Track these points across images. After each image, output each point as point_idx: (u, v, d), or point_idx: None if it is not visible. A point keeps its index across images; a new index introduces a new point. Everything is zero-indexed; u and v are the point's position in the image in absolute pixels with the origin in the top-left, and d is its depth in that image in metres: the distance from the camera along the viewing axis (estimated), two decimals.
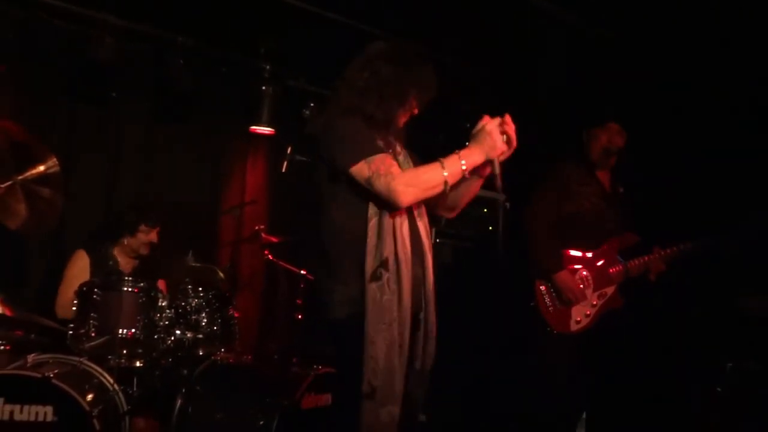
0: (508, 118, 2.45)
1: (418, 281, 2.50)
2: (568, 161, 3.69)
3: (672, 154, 4.25)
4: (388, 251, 2.36)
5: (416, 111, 2.58)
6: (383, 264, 2.35)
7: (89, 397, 3.16)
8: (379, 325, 2.33)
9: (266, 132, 4.96)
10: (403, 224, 2.42)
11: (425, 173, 2.37)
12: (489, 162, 2.43)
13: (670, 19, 3.79)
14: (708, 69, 4.08)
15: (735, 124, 4.16)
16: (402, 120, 2.57)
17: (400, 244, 2.39)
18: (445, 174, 2.34)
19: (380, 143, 2.43)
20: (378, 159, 2.34)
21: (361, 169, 2.34)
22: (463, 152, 2.38)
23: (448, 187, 2.35)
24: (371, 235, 2.37)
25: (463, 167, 2.36)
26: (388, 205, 2.36)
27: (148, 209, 4.15)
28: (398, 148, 2.58)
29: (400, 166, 2.46)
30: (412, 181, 2.33)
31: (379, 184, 2.32)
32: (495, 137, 2.40)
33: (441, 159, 2.36)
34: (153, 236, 4.13)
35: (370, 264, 2.35)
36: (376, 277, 2.34)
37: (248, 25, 4.54)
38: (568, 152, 3.74)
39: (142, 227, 4.08)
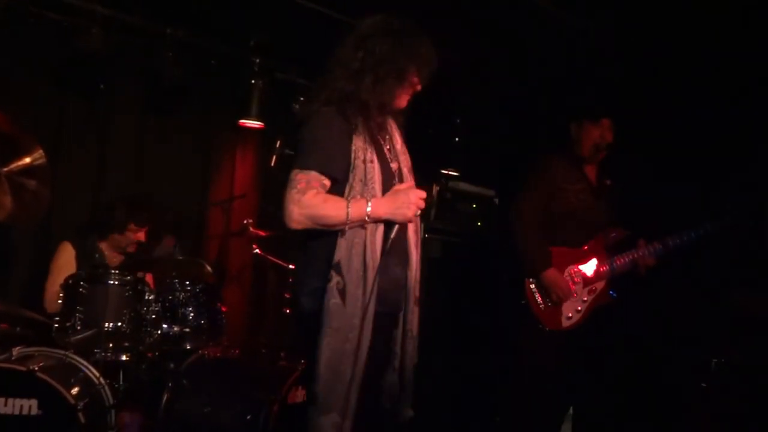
0: (425, 194, 2.41)
1: (398, 282, 2.45)
2: (554, 157, 3.67)
3: (657, 147, 4.26)
4: (339, 255, 2.31)
5: (419, 87, 2.49)
6: (335, 267, 2.30)
7: (74, 390, 3.14)
8: (324, 329, 2.28)
9: (255, 125, 4.94)
10: (377, 230, 2.36)
11: (329, 210, 2.30)
12: (390, 222, 2.36)
13: (655, 12, 3.80)
14: (695, 62, 4.10)
15: (720, 116, 4.19)
16: (404, 100, 2.49)
17: (370, 250, 2.32)
18: (347, 219, 2.29)
19: (354, 147, 2.34)
20: (310, 175, 2.31)
21: (293, 173, 2.33)
22: (373, 204, 2.31)
23: (346, 228, 2.32)
24: (338, 237, 2.33)
25: (366, 218, 2.31)
26: (282, 216, 2.33)
27: (138, 208, 4.11)
28: (396, 137, 2.52)
29: (388, 163, 2.41)
30: (311, 213, 2.29)
31: (288, 195, 2.31)
32: (411, 208, 2.34)
33: (350, 201, 2.31)
34: (141, 235, 4.10)
35: (327, 266, 2.31)
36: (327, 279, 2.30)
37: (238, 18, 4.51)
38: (554, 147, 3.72)
39: (132, 226, 4.05)
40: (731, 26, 3.76)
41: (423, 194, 2.37)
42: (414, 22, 2.46)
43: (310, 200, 2.29)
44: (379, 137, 2.45)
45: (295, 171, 2.33)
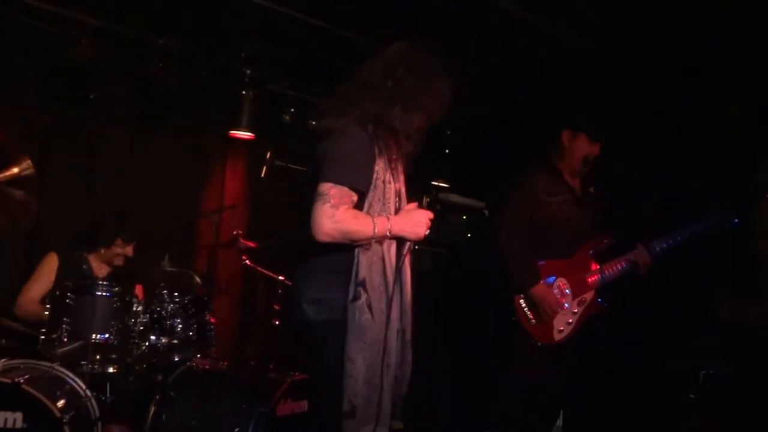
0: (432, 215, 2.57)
1: (404, 295, 2.55)
2: (535, 170, 3.65)
3: (642, 153, 4.29)
4: (364, 273, 2.41)
5: (427, 126, 2.59)
6: (361, 284, 2.40)
7: (60, 403, 3.11)
8: (359, 344, 2.37)
9: (246, 136, 4.94)
10: (391, 246, 2.49)
11: (359, 226, 2.40)
12: (402, 240, 2.52)
13: (639, 26, 3.84)
14: (682, 69, 4.15)
15: (706, 121, 4.24)
16: (422, 131, 2.58)
17: (388, 266, 2.45)
18: (373, 235, 2.41)
19: (377, 167, 2.45)
20: (343, 190, 2.39)
21: (326, 186, 2.38)
22: (392, 222, 2.45)
23: (371, 243, 2.43)
24: (357, 253, 2.42)
25: (388, 234, 2.44)
26: (309, 227, 2.39)
27: (126, 223, 4.09)
28: (400, 169, 2.60)
29: (394, 184, 2.51)
30: (343, 228, 2.37)
31: (320, 208, 2.36)
32: (422, 228, 2.50)
33: (375, 219, 2.42)
34: (129, 251, 4.08)
35: (352, 283, 2.40)
36: (356, 296, 2.39)
37: (229, 29, 4.52)
38: (537, 159, 3.72)
39: (119, 241, 4.03)
40: (714, 37, 3.80)
41: (431, 215, 2.54)
42: (437, 58, 2.57)
43: (342, 215, 2.37)
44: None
45: (328, 185, 2.38)
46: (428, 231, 2.51)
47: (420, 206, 2.57)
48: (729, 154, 4.19)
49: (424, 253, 4.10)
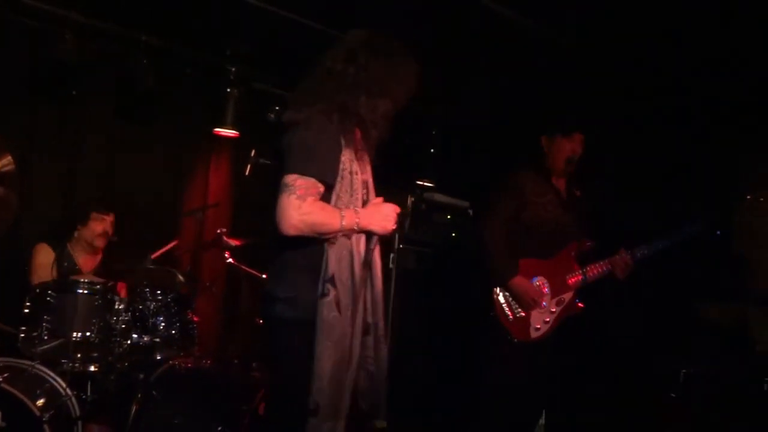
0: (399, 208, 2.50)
1: (373, 290, 2.49)
2: (524, 170, 3.69)
3: (625, 159, 4.32)
4: (333, 268, 2.35)
5: (393, 112, 2.51)
6: (330, 280, 2.34)
7: (40, 402, 3.08)
8: (325, 343, 2.32)
9: (230, 134, 4.91)
10: (360, 240, 2.43)
11: (326, 218, 2.34)
12: (370, 234, 2.45)
13: (626, 26, 3.87)
14: (664, 75, 4.18)
15: (686, 129, 4.27)
16: (388, 118, 2.51)
17: (356, 260, 2.39)
18: (341, 227, 2.35)
19: (343, 158, 2.39)
20: (309, 181, 2.32)
21: (291, 178, 2.32)
22: (362, 217, 2.39)
23: (338, 237, 2.37)
24: (326, 248, 2.36)
25: (356, 228, 2.39)
26: (275, 220, 2.32)
27: (99, 197, 4.05)
28: (367, 159, 2.54)
29: (361, 175, 2.45)
30: (310, 220, 2.31)
31: (286, 200, 2.29)
32: (390, 221, 2.44)
33: (342, 210, 2.36)
34: (107, 225, 4.02)
35: (321, 279, 2.35)
36: (324, 293, 2.34)
37: (214, 26, 4.49)
38: (524, 160, 3.75)
39: (94, 214, 3.98)
40: (696, 41, 3.84)
41: (398, 209, 2.47)
42: (399, 42, 2.49)
43: (310, 207, 2.30)
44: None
45: (293, 176, 2.31)
46: (396, 226, 2.45)
47: (405, 206, 2.53)
48: (712, 155, 4.23)
49: (408, 252, 4.10)
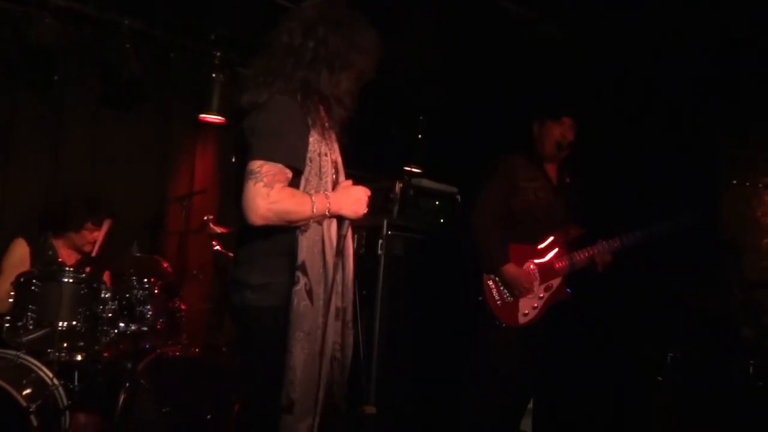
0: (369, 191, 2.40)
1: (346, 275, 2.40)
2: (514, 155, 3.69)
3: (615, 147, 4.33)
4: (304, 255, 2.24)
5: (366, 80, 2.40)
6: (300, 268, 2.23)
7: (26, 392, 3.06)
8: (297, 334, 2.21)
9: (216, 120, 4.87)
10: (331, 225, 2.33)
11: (296, 206, 2.21)
12: (341, 219, 2.34)
13: (617, 15, 3.86)
14: (652, 61, 4.18)
15: (673, 120, 4.28)
16: (354, 93, 2.38)
17: (328, 247, 2.29)
18: (312, 214, 2.23)
19: (311, 139, 2.27)
20: (276, 167, 2.18)
21: (257, 164, 2.17)
22: (333, 202, 2.28)
23: (309, 224, 2.26)
24: (297, 234, 2.25)
25: (327, 214, 2.27)
26: (241, 209, 2.19)
27: (97, 207, 3.98)
28: (334, 138, 2.41)
29: (331, 155, 2.35)
30: (279, 208, 2.17)
31: (253, 188, 2.15)
32: (362, 205, 2.34)
33: (312, 196, 2.24)
34: (98, 235, 3.98)
35: (293, 267, 2.24)
36: (295, 281, 2.23)
37: (198, 10, 4.43)
38: (515, 145, 3.75)
39: (89, 225, 3.93)
40: (684, 30, 3.84)
41: (369, 192, 2.37)
42: (358, 11, 2.38)
43: (278, 194, 2.17)
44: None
45: (259, 162, 2.17)
46: (367, 209, 2.34)
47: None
48: (697, 142, 4.24)
49: (396, 238, 4.09)
